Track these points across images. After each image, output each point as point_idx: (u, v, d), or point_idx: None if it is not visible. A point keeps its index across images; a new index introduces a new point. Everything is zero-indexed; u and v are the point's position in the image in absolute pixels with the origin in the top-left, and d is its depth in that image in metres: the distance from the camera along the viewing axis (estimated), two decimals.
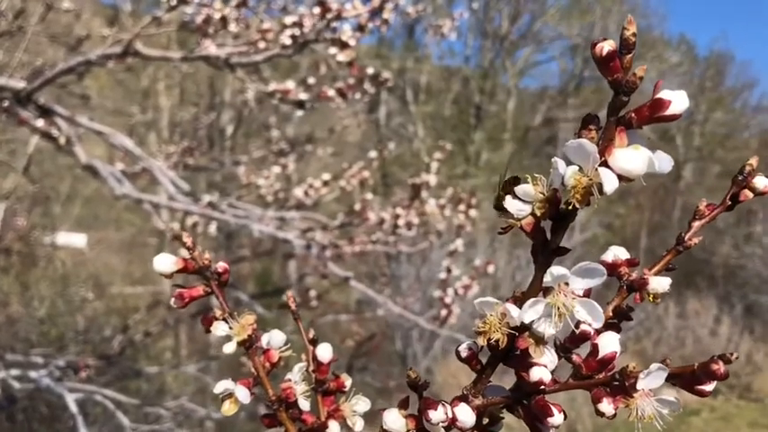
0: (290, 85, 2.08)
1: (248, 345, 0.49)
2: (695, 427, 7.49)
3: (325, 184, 2.98)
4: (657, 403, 0.37)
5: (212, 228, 2.73)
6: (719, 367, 0.34)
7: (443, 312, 2.32)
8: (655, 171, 0.34)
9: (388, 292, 4.60)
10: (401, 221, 2.47)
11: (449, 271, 2.39)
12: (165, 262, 0.49)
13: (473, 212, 2.50)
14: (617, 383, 0.37)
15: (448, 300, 2.33)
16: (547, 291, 0.38)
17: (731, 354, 0.35)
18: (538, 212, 0.38)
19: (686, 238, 0.44)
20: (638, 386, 0.37)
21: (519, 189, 0.38)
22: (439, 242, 4.48)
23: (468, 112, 12.85)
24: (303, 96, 2.04)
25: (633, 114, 0.35)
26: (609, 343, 0.40)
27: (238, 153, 4.90)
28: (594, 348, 0.40)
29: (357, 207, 2.61)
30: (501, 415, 0.43)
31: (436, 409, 0.39)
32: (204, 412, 4.02)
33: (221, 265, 0.50)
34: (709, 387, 0.37)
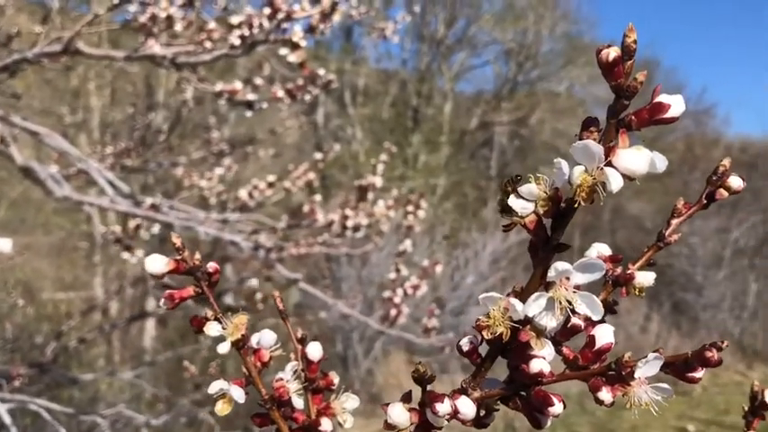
0: (237, 85, 2.06)
1: (241, 345, 0.49)
2: (627, 421, 7.73)
3: (270, 185, 2.95)
4: (652, 390, 0.39)
5: (155, 230, 2.67)
6: (713, 354, 0.37)
7: (393, 312, 2.33)
8: (655, 170, 0.37)
9: (330, 294, 4.59)
10: (350, 223, 2.47)
11: (398, 271, 2.41)
12: (158, 263, 0.49)
13: (421, 213, 2.52)
14: (613, 373, 0.39)
15: (397, 300, 2.35)
16: (548, 285, 0.40)
17: (722, 341, 0.37)
18: (541, 210, 0.40)
19: (666, 234, 0.47)
20: (636, 374, 0.39)
21: (523, 188, 0.39)
22: (380, 244, 4.50)
23: (405, 115, 12.93)
24: (251, 97, 2.02)
25: (633, 117, 0.37)
26: (604, 335, 0.42)
27: (175, 154, 4.81)
28: (591, 340, 0.42)
29: (305, 208, 2.60)
30: (496, 407, 0.44)
31: (443, 402, 0.40)
32: (143, 419, 3.92)
33: (212, 266, 0.50)
34: (699, 374, 0.39)
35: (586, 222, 13.36)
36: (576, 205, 0.37)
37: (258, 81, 2.13)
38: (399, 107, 13.01)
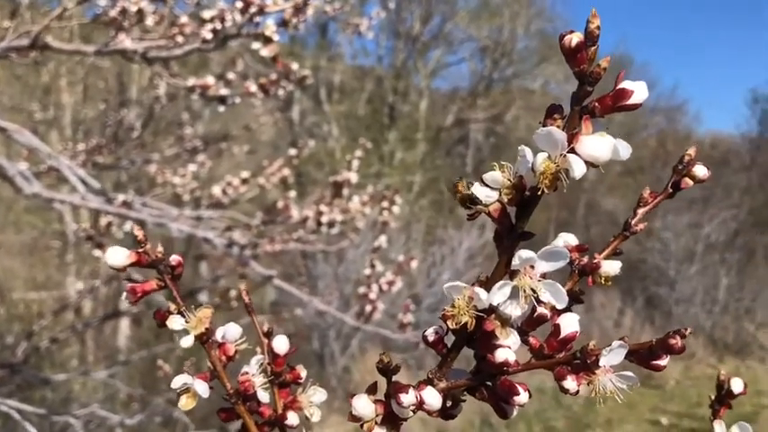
0: (210, 80, 2.04)
1: (205, 339, 0.48)
2: (602, 415, 7.81)
3: (244, 182, 2.93)
4: (617, 378, 0.39)
5: (127, 227, 2.64)
6: (677, 342, 0.37)
7: (368, 308, 2.33)
8: (618, 157, 0.36)
9: (306, 291, 4.57)
10: (324, 219, 2.46)
11: (373, 267, 2.40)
12: (118, 255, 0.48)
13: (396, 209, 2.52)
14: (578, 362, 0.39)
15: (373, 296, 2.35)
16: (513, 274, 0.40)
17: (686, 329, 0.37)
18: (505, 198, 0.39)
19: (632, 223, 0.47)
20: (601, 363, 0.38)
21: (487, 176, 0.39)
22: (357, 241, 4.49)
23: (381, 111, 12.92)
24: (224, 92, 2.00)
25: (597, 104, 0.37)
26: (569, 323, 0.42)
27: (148, 151, 4.76)
28: (556, 329, 0.42)
29: (280, 205, 2.58)
30: (462, 398, 0.44)
31: (407, 393, 0.40)
32: (117, 419, 3.88)
33: (175, 259, 0.49)
34: (663, 362, 0.39)
35: (561, 218, 13.46)
36: (539, 193, 0.37)
37: (231, 76, 2.11)
38: (375, 104, 13.00)
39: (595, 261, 0.46)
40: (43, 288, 8.18)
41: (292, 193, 2.63)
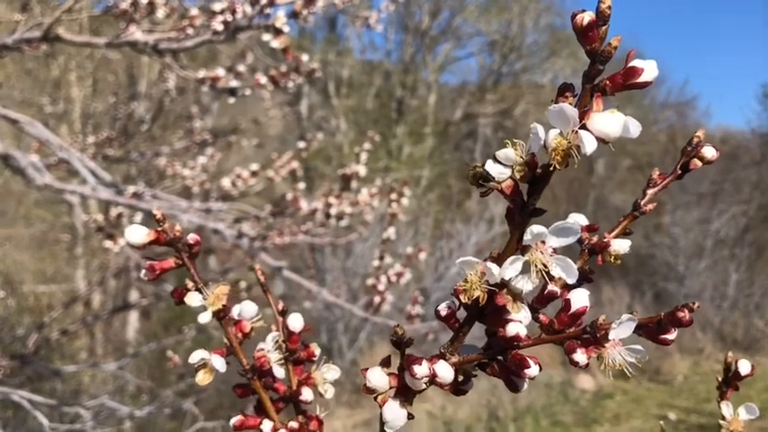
0: (220, 72, 2.05)
1: (222, 315, 0.49)
2: (609, 410, 7.80)
3: (254, 174, 2.94)
4: (626, 352, 0.40)
5: (137, 219, 2.66)
6: (685, 314, 0.38)
7: (377, 300, 2.34)
8: (628, 134, 0.37)
9: (314, 284, 4.59)
10: (333, 211, 2.47)
11: (382, 258, 2.41)
12: (138, 233, 0.49)
13: (405, 200, 2.52)
14: (588, 336, 0.40)
15: (381, 287, 2.35)
16: (524, 249, 0.41)
17: (693, 303, 0.38)
18: (517, 175, 0.40)
19: (642, 203, 0.47)
20: (610, 336, 0.39)
21: (500, 153, 0.40)
22: (366, 234, 4.50)
23: (389, 106, 12.92)
24: (234, 84, 2.01)
25: (608, 82, 0.38)
26: (580, 299, 0.43)
27: (157, 144, 4.78)
28: (567, 304, 0.43)
29: (289, 197, 2.59)
30: (474, 372, 0.45)
31: (421, 365, 0.41)
32: (127, 411, 3.91)
33: (192, 237, 0.50)
34: (671, 336, 0.40)
35: (570, 213, 13.41)
36: (551, 169, 0.38)
37: (241, 68, 2.12)
38: (384, 98, 12.99)
39: (605, 240, 0.47)
40: (53, 281, 8.23)
41: (301, 185, 2.64)
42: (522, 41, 14.02)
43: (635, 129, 0.37)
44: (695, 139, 0.48)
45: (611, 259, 0.47)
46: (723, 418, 0.60)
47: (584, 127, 0.37)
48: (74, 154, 2.78)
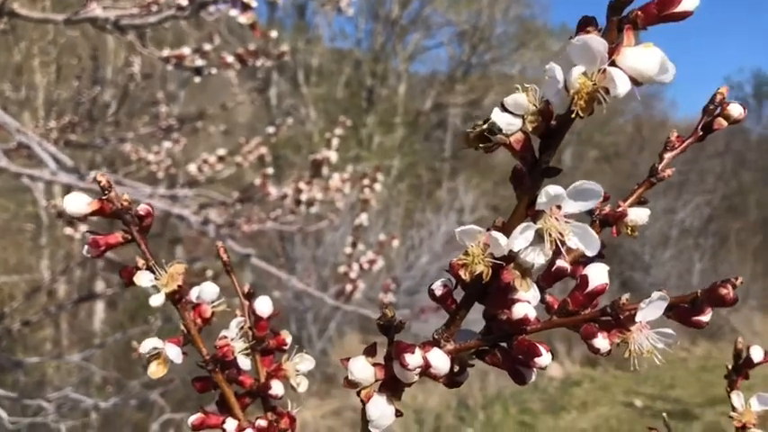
0: (185, 50, 1.96)
1: (178, 297, 0.42)
2: (577, 397, 7.86)
3: (221, 159, 2.85)
4: (655, 336, 0.34)
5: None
6: (729, 291, 0.32)
7: (348, 288, 2.27)
8: (666, 73, 0.31)
9: (284, 273, 4.51)
10: (303, 197, 2.39)
11: (354, 245, 2.34)
12: (78, 202, 0.41)
13: (378, 186, 2.45)
14: (608, 318, 0.34)
15: (353, 275, 2.29)
16: (535, 215, 0.34)
17: (736, 278, 0.32)
18: (529, 127, 0.34)
19: (660, 168, 0.42)
20: (637, 318, 0.33)
21: (509, 100, 0.33)
22: (336, 222, 4.43)
23: (359, 95, 12.82)
24: (199, 63, 1.92)
25: (640, 12, 0.31)
26: (598, 275, 0.36)
27: (123, 130, 4.64)
28: (583, 281, 0.36)
29: (257, 182, 2.51)
30: (470, 362, 0.39)
31: (413, 353, 0.35)
32: (91, 402, 3.80)
33: (143, 208, 0.43)
34: (706, 317, 0.34)
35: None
36: (573, 116, 0.32)
37: (207, 47, 2.03)
38: (354, 87, 12.90)
39: (620, 209, 0.41)
40: (15, 272, 8.01)
41: (269, 170, 2.56)
42: (491, 32, 14.04)
43: (672, 70, 0.31)
44: (718, 96, 0.42)
45: (628, 231, 0.41)
46: (734, 408, 0.55)
47: (613, 64, 0.31)
48: (33, 137, 2.66)
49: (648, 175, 0.43)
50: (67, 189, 2.92)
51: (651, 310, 0.33)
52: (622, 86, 0.30)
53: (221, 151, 2.90)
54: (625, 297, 0.33)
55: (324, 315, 7.15)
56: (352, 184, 2.70)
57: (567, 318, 0.36)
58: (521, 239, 0.33)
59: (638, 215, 0.41)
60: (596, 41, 0.30)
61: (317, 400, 6.68)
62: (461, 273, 0.34)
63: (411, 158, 12.69)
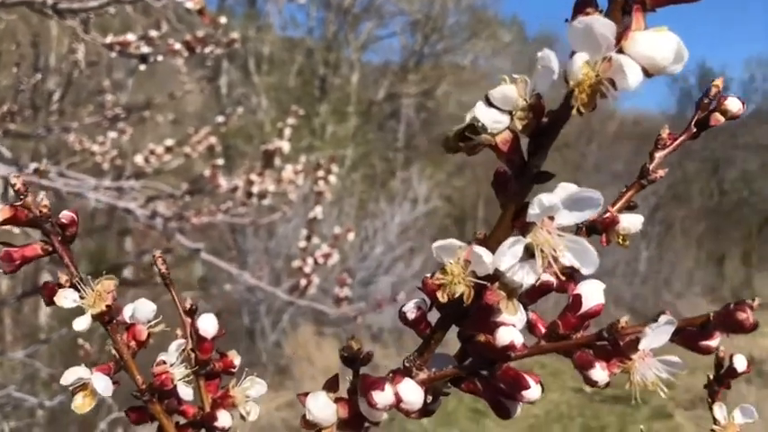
0: (129, 37, 1.86)
1: (108, 318, 0.36)
2: None
3: (168, 150, 2.75)
4: (660, 365, 0.30)
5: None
6: (747, 316, 0.27)
7: (303, 282, 2.21)
8: (681, 61, 0.26)
9: (235, 266, 4.42)
10: (255, 189, 2.32)
11: (309, 239, 2.28)
12: None
13: (333, 178, 2.39)
14: (605, 344, 0.30)
15: (308, 269, 2.22)
16: (524, 227, 0.29)
17: (753, 299, 0.28)
18: (518, 125, 0.29)
19: (651, 169, 0.37)
20: (641, 345, 0.29)
21: (497, 93, 0.28)
22: (289, 214, 4.36)
23: (312, 84, 12.70)
24: (145, 49, 1.83)
25: None
26: (593, 293, 0.32)
27: (67, 120, 4.47)
28: (575, 300, 0.32)
29: (207, 173, 2.42)
30: (446, 390, 0.34)
31: (383, 389, 0.30)
32: (35, 401, 3.67)
33: (67, 215, 0.37)
34: (715, 342, 0.30)
35: (490, 193, 13.57)
36: (574, 112, 0.27)
37: (153, 33, 1.94)
38: (306, 76, 12.76)
39: (609, 215, 0.36)
40: None
41: (220, 161, 2.48)
42: (443, 22, 14.05)
43: (686, 56, 0.27)
44: (713, 90, 0.38)
45: (620, 240, 0.36)
46: (715, 421, 0.51)
47: (620, 52, 0.26)
48: None
49: (639, 177, 0.38)
50: (5, 182, 2.79)
51: (657, 335, 0.29)
52: (633, 78, 0.25)
53: (169, 142, 2.79)
54: (624, 320, 0.29)
55: (277, 307, 7.06)
56: (305, 176, 2.64)
57: (556, 342, 0.32)
58: (509, 256, 0.28)
59: (630, 222, 0.36)
60: (602, 24, 0.25)
61: (270, 392, 6.60)
62: (439, 294, 0.29)
63: (364, 148, 12.63)
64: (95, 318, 0.36)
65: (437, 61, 14.57)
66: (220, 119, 3.00)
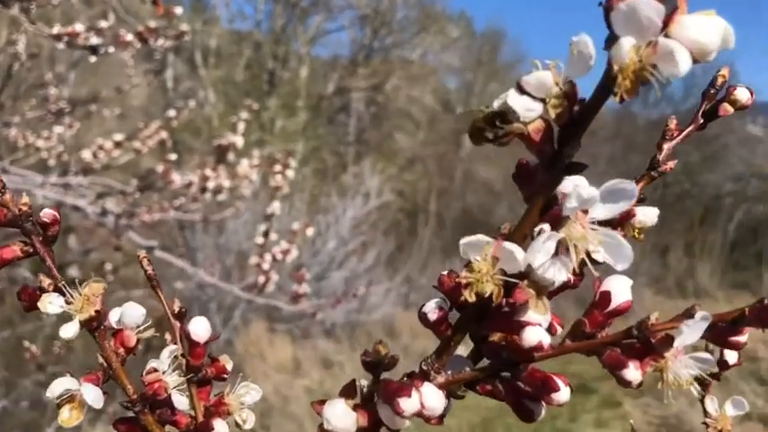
0: (78, 27, 1.79)
1: (95, 324, 0.34)
2: None
3: (117, 145, 2.67)
4: (692, 362, 0.29)
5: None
6: None
7: (261, 279, 2.16)
8: (728, 46, 0.25)
9: (187, 264, 4.33)
10: (210, 185, 2.26)
11: (266, 235, 2.24)
12: None
13: (290, 173, 2.36)
14: (634, 342, 0.28)
15: (266, 266, 2.18)
16: (556, 222, 0.28)
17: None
18: (552, 113, 0.27)
19: (660, 161, 0.36)
20: (676, 344, 0.28)
21: (531, 79, 0.27)
22: (242, 209, 4.29)
23: (261, 78, 12.56)
24: (95, 41, 1.77)
25: None
26: (621, 290, 0.31)
27: (8, 114, 4.31)
28: (603, 297, 0.31)
29: (159, 169, 2.36)
30: (461, 393, 0.33)
31: (410, 396, 0.28)
32: None
33: (48, 214, 0.34)
34: (743, 338, 0.29)
35: (441, 186, 13.66)
36: (617, 98, 0.25)
37: (103, 24, 1.87)
38: (254, 70, 12.62)
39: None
40: None
41: (173, 156, 2.42)
42: (392, 17, 14.07)
43: (733, 42, 0.26)
44: (720, 80, 0.37)
45: (635, 234, 0.35)
46: (707, 414, 0.51)
47: (666, 36, 0.25)
48: None
49: (648, 168, 0.37)
50: None
51: (692, 332, 0.28)
52: (683, 63, 0.23)
53: (118, 136, 2.71)
54: (654, 316, 0.28)
55: (228, 304, 6.96)
56: (261, 168, 2.59)
57: (583, 341, 0.30)
58: (542, 252, 0.27)
59: (646, 215, 0.35)
60: (649, 5, 0.24)
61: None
62: (466, 293, 0.28)
63: (315, 143, 12.56)
64: (84, 324, 0.33)
65: (386, 56, 14.59)
66: (171, 113, 2.93)
